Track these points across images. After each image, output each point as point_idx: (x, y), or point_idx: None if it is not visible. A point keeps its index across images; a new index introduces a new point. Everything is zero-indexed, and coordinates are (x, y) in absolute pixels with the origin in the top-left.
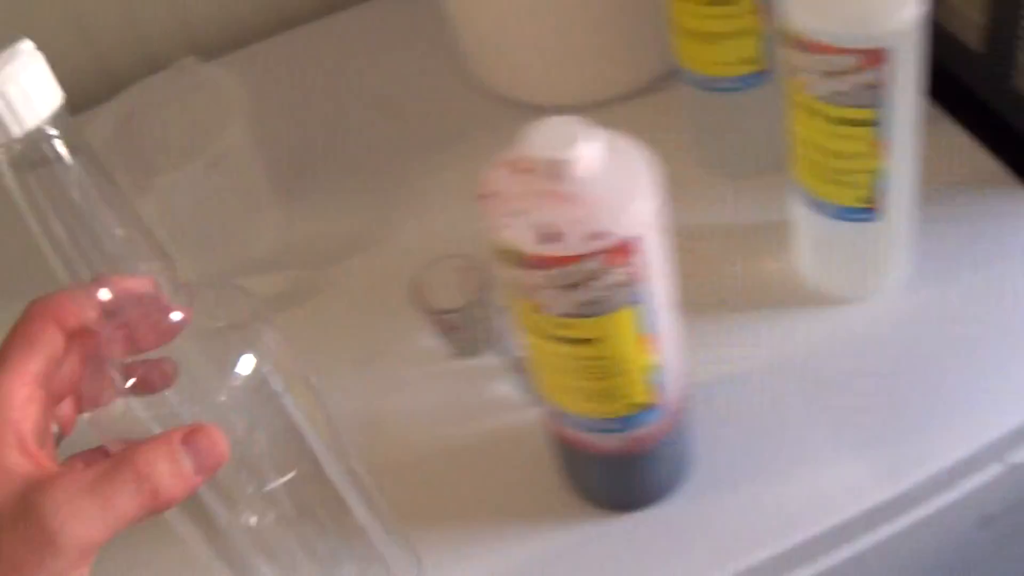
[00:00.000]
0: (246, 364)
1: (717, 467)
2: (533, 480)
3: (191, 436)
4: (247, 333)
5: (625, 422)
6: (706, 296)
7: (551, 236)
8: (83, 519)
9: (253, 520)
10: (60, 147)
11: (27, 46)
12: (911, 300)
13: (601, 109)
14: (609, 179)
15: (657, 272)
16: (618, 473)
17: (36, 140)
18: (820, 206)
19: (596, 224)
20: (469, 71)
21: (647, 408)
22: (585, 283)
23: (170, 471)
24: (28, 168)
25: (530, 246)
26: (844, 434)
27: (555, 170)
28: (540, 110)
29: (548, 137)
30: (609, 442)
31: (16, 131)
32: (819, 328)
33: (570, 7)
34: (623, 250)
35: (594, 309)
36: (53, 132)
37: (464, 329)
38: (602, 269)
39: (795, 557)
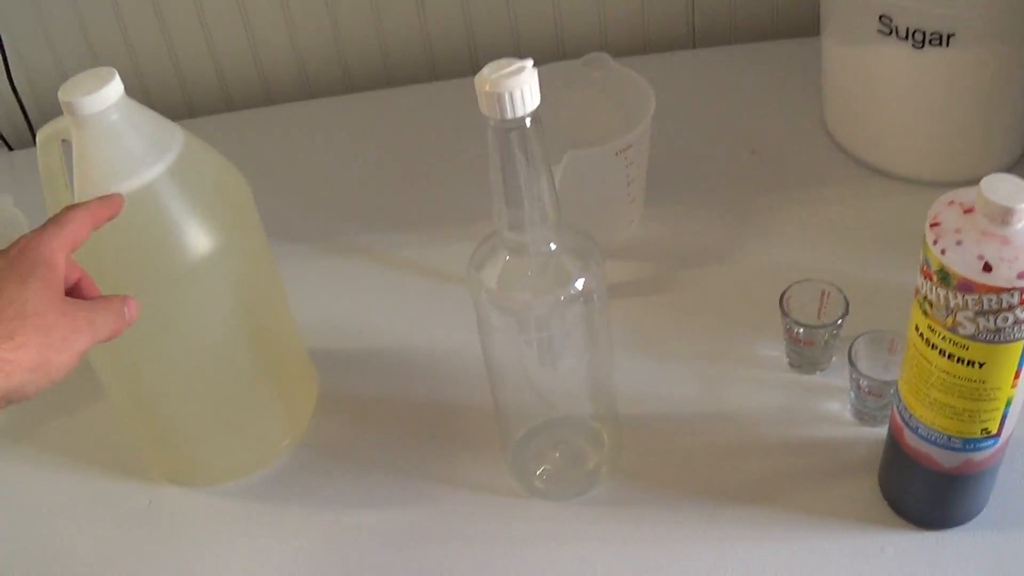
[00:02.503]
0: (579, 282)
1: (1012, 506)
2: (848, 486)
3: (128, 300)
4: (586, 265)
5: (971, 444)
6: None
7: (986, 267)
8: (99, 322)
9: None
10: (529, 124)
11: (528, 63)
12: None
13: (950, 187)
14: None
15: None
16: (942, 491)
17: (523, 119)
18: None
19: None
20: (829, 126)
21: (991, 436)
22: (998, 312)
23: (115, 319)
24: (509, 132)
25: (967, 271)
26: None
27: (1002, 215)
28: (888, 177)
29: (1001, 189)
30: (948, 460)
31: (518, 113)
32: None
33: (939, 94)
34: None
35: (994, 337)
36: (531, 117)
37: (813, 345)
38: (1016, 304)
39: None
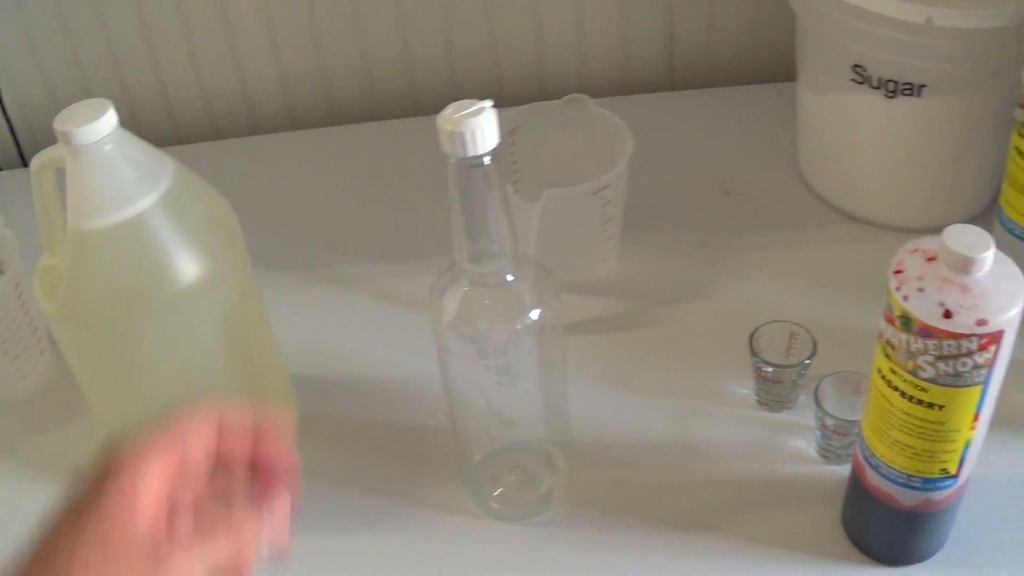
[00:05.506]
0: (535, 313)
1: (970, 544)
2: (810, 522)
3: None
4: (542, 296)
5: (930, 483)
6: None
7: (947, 314)
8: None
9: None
10: (488, 162)
11: (488, 104)
12: None
13: (917, 235)
14: (995, 281)
15: (1002, 364)
16: (902, 528)
17: (482, 157)
18: None
19: (982, 313)
20: (803, 170)
21: (950, 476)
22: (956, 357)
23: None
24: (469, 169)
25: (928, 318)
26: None
27: (963, 264)
28: (859, 222)
29: (963, 239)
30: (908, 499)
31: (478, 151)
32: None
33: (910, 143)
34: (993, 339)
35: (953, 381)
36: (490, 155)
37: (780, 384)
38: (974, 350)
39: None
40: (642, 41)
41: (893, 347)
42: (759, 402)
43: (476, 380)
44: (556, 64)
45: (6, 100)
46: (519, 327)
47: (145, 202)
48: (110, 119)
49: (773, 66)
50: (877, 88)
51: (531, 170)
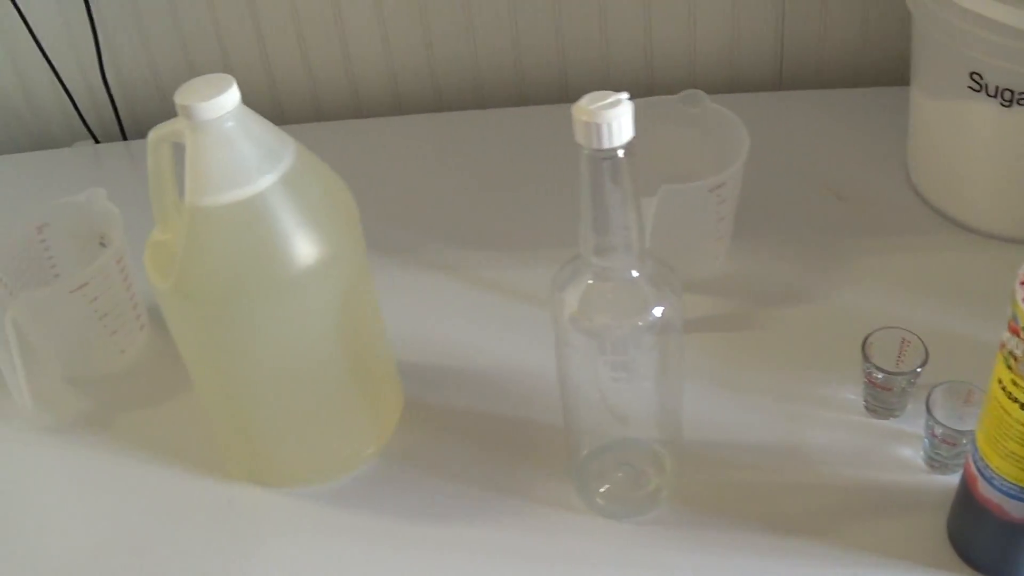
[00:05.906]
0: (658, 310)
1: None
2: (915, 530)
3: None
4: (665, 294)
5: None
6: None
7: None
8: None
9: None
10: (621, 155)
11: (624, 96)
12: None
13: None
14: None
15: None
16: (1011, 540)
17: (616, 150)
18: None
19: None
20: (913, 176)
21: None
22: None
23: None
24: (602, 161)
25: None
26: None
27: None
28: (970, 231)
29: None
30: (1018, 511)
31: (614, 143)
32: None
33: None
34: None
35: None
36: (624, 148)
37: (890, 391)
38: None
39: None
40: (752, 39)
41: (1016, 358)
42: (867, 408)
43: (593, 375)
44: (664, 59)
45: (108, 74)
46: (641, 324)
47: (265, 181)
48: (233, 95)
49: (884, 69)
50: (993, 96)
51: (642, 165)
